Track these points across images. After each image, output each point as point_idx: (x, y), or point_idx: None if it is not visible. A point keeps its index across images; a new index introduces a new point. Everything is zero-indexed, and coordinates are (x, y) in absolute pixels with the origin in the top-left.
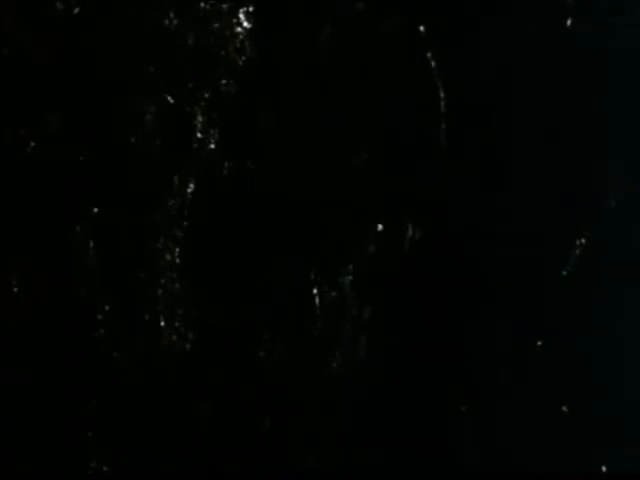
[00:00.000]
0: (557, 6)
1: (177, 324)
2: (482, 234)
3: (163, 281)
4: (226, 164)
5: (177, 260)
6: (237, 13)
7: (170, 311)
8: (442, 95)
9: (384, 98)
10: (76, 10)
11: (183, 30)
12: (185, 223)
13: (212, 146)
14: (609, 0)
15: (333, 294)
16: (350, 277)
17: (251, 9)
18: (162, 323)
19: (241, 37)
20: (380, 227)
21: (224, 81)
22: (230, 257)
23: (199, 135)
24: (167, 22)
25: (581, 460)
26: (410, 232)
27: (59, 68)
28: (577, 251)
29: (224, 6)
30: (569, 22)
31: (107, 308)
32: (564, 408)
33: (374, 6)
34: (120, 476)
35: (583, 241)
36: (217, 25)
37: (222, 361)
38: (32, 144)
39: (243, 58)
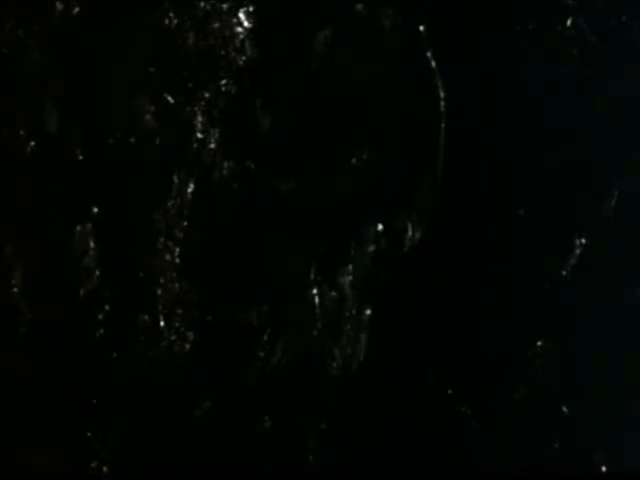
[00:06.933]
0: (557, 6)
1: (177, 324)
2: (482, 234)
3: (163, 281)
4: (226, 164)
5: (176, 260)
6: (237, 13)
7: (171, 311)
8: (442, 95)
9: (384, 98)
10: (76, 10)
11: (183, 30)
12: (185, 223)
13: (212, 146)
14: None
15: (333, 294)
16: (350, 277)
17: (251, 9)
18: (162, 323)
19: (241, 37)
20: (380, 227)
21: (224, 81)
22: (230, 257)
23: (199, 135)
24: (167, 22)
25: (581, 460)
26: (410, 232)
27: (59, 68)
28: (577, 252)
29: (224, 6)
30: (569, 22)
31: (107, 308)
32: (564, 408)
33: (374, 6)
34: (120, 476)
35: (583, 241)
36: (217, 25)
37: (222, 361)
38: (32, 144)
39: (243, 58)
